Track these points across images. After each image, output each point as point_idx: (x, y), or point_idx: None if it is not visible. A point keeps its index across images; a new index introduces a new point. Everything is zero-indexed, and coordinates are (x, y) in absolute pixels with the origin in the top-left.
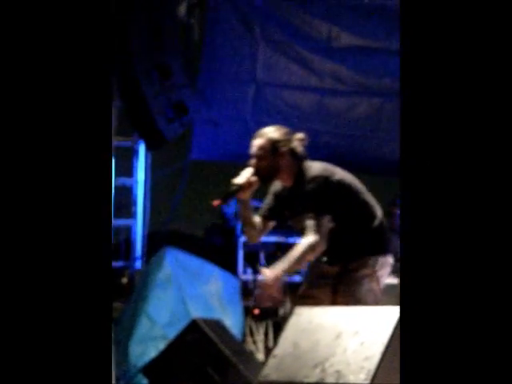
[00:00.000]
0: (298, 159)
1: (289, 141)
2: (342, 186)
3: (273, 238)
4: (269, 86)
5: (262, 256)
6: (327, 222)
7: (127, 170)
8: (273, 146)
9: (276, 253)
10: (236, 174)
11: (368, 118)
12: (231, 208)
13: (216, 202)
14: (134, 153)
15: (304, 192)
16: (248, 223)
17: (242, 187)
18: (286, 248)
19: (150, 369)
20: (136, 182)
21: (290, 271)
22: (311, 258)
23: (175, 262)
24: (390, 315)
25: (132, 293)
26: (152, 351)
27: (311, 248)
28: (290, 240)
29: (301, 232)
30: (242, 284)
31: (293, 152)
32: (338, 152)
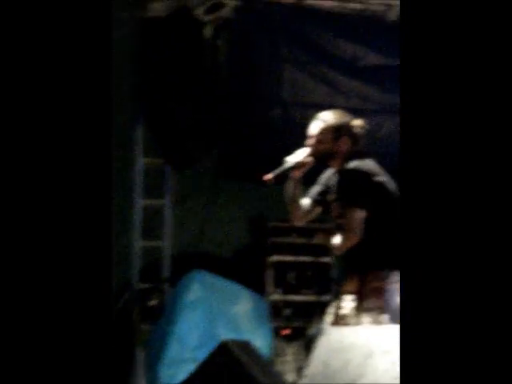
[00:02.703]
0: (354, 145)
1: (351, 127)
2: (380, 188)
3: (302, 258)
4: (295, 106)
5: (291, 276)
6: (362, 215)
7: (156, 191)
8: (336, 131)
9: (306, 273)
10: (263, 193)
11: (394, 136)
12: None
13: (267, 177)
14: (163, 174)
15: (345, 181)
16: (295, 203)
17: (295, 166)
18: (316, 267)
19: None
20: (165, 203)
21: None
22: (344, 247)
23: (204, 284)
24: None
25: (161, 315)
26: (182, 374)
27: (345, 240)
28: (321, 260)
29: (336, 218)
30: (271, 304)
31: (354, 138)
32: None
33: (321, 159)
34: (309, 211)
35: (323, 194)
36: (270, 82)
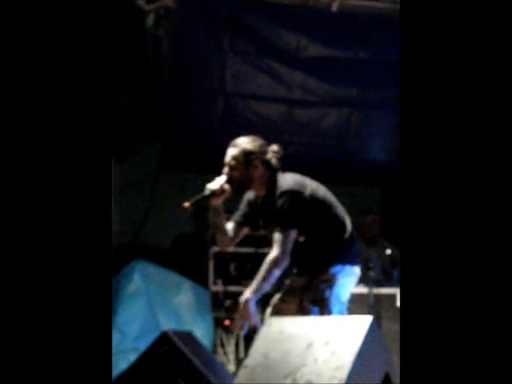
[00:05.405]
0: (271, 170)
1: (263, 153)
2: (313, 200)
3: (243, 249)
4: (238, 97)
5: (232, 267)
6: (293, 237)
7: None
8: (246, 157)
9: (246, 264)
10: (204, 185)
11: (336, 128)
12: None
13: (187, 204)
14: None
15: (274, 205)
16: (219, 229)
17: (214, 193)
18: (257, 259)
19: (120, 381)
20: None
21: (262, 291)
22: (277, 272)
23: (145, 275)
24: (360, 324)
25: None
26: (123, 364)
27: (274, 264)
28: (260, 251)
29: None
30: (213, 295)
31: (266, 164)
32: (306, 162)
33: (238, 187)
34: (234, 236)
35: (247, 215)
36: (212, 73)
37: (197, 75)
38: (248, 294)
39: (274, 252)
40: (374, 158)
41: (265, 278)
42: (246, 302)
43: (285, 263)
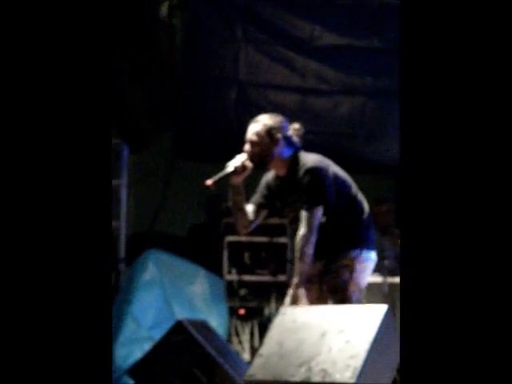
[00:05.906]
0: (292, 148)
1: (284, 128)
2: (335, 179)
3: (257, 238)
4: (251, 86)
5: (246, 256)
6: (320, 214)
7: (112, 171)
8: (268, 132)
9: (261, 253)
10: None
11: (351, 116)
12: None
13: (208, 182)
14: (119, 154)
15: (298, 183)
16: (239, 209)
17: (235, 170)
18: (271, 248)
19: (135, 370)
20: (121, 183)
21: (304, 271)
22: (309, 251)
23: (159, 264)
24: (374, 313)
25: (116, 295)
26: (137, 353)
27: (304, 243)
28: (275, 240)
29: (291, 222)
30: (227, 284)
31: (288, 140)
32: (321, 151)
33: (259, 164)
34: (254, 218)
35: (267, 196)
36: (226, 62)
37: (210, 64)
38: (295, 280)
39: (302, 230)
40: (387, 147)
41: (300, 259)
42: (297, 287)
43: (313, 240)
